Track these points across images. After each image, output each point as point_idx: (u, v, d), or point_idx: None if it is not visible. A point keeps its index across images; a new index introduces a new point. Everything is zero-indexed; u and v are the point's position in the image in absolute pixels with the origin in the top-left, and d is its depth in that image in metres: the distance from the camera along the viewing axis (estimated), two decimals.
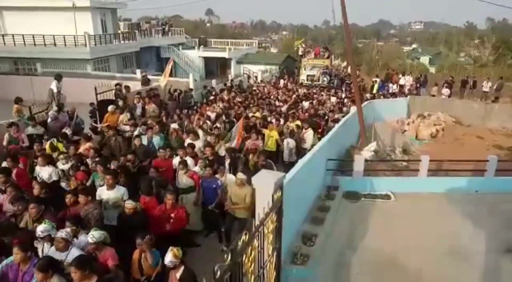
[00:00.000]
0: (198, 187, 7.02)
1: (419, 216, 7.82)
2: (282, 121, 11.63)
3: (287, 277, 5.31)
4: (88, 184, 6.75)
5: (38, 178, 6.83)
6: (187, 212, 6.13)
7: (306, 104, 15.69)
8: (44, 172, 6.94)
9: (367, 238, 6.95)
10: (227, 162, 8.04)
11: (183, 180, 6.99)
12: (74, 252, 4.50)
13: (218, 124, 10.71)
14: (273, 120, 11.40)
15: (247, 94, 17.40)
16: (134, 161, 7.52)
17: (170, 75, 16.07)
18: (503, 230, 7.26)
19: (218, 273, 2.73)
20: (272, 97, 17.72)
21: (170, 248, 4.24)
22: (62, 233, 4.59)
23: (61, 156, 7.42)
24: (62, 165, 7.27)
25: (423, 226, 7.34)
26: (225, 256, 2.92)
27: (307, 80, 25.86)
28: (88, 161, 7.49)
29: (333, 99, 18.38)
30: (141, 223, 5.43)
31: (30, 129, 9.43)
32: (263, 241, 3.77)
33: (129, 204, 5.58)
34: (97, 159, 7.30)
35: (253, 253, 3.45)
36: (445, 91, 21.66)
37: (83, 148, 8.12)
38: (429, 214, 7.90)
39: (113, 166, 7.09)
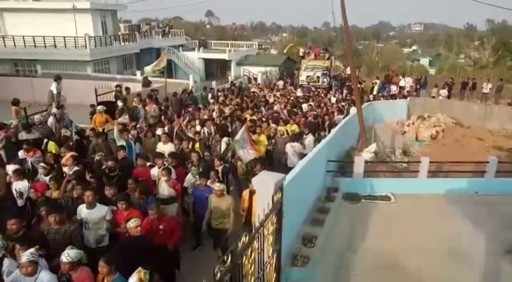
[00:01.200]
0: (180, 197, 6.71)
1: (419, 217, 7.81)
2: (273, 125, 11.13)
3: (287, 279, 5.30)
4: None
5: (15, 193, 6.33)
6: (178, 221, 5.77)
7: (305, 106, 15.67)
8: (20, 185, 6.35)
9: (367, 240, 6.94)
10: (219, 169, 7.59)
11: (164, 189, 6.56)
12: (43, 277, 3.99)
13: (205, 129, 10.23)
14: (263, 124, 10.88)
15: (243, 97, 17.13)
16: (114, 168, 6.87)
17: (170, 76, 16.06)
18: (503, 231, 7.25)
19: (218, 274, 2.72)
20: (268, 99, 17.36)
21: (138, 270, 3.87)
22: (27, 256, 3.94)
23: (41, 166, 6.86)
24: (44, 176, 6.70)
25: (423, 227, 7.33)
26: (225, 257, 2.91)
27: (306, 81, 25.44)
28: (66, 169, 6.82)
29: (333, 99, 18.38)
30: (147, 249, 4.78)
31: (24, 135, 8.89)
32: (263, 243, 3.77)
33: (133, 223, 4.91)
34: (74, 169, 6.67)
35: (253, 254, 3.44)
36: (443, 92, 21.70)
37: (65, 158, 7.32)
38: (429, 215, 7.89)
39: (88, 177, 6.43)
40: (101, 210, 5.47)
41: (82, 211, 5.46)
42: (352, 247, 6.70)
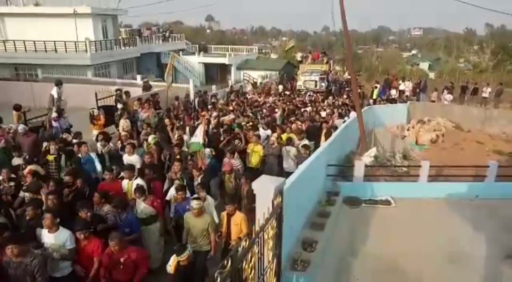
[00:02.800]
0: (162, 215, 6.20)
1: (419, 221, 7.80)
2: (268, 131, 10.54)
3: None
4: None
5: None
6: (144, 254, 5.11)
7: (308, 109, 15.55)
8: None
9: (368, 244, 6.92)
10: (198, 180, 7.11)
11: (142, 208, 5.97)
12: None
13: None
14: (249, 133, 10.04)
15: (239, 102, 16.63)
16: (71, 184, 6.29)
17: (172, 81, 16.01)
18: (503, 236, 7.23)
19: (218, 279, 2.72)
20: (264, 104, 16.75)
21: None
22: None
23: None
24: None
25: (423, 232, 7.32)
26: (225, 262, 2.91)
27: (303, 86, 24.87)
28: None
29: (332, 102, 18.20)
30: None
31: (15, 160, 7.71)
32: (263, 247, 3.76)
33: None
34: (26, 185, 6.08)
35: (253, 259, 3.43)
36: (448, 97, 21.76)
37: (25, 171, 6.77)
38: (429, 219, 7.88)
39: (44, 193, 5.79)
40: (61, 236, 4.84)
41: (44, 234, 4.88)
42: (352, 251, 6.69)
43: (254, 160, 9.06)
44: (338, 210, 8.09)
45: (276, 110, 14.98)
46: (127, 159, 7.88)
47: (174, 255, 4.93)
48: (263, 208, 4.08)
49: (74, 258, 4.93)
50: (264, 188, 4.42)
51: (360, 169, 9.12)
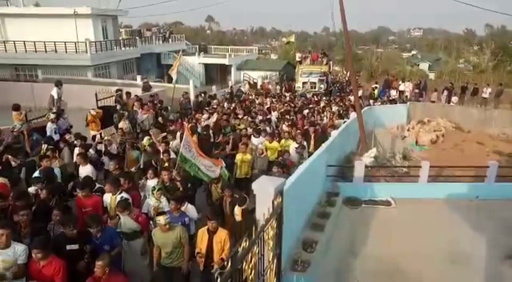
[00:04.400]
0: (147, 230, 5.65)
1: (419, 222, 7.80)
2: (261, 139, 9.89)
3: None
4: None
5: None
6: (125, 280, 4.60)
7: (305, 112, 15.00)
8: None
9: (368, 245, 6.92)
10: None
11: (126, 223, 5.48)
12: None
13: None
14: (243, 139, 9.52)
15: (237, 104, 16.05)
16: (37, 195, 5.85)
17: (170, 81, 15.98)
18: (503, 236, 7.23)
19: (218, 280, 2.72)
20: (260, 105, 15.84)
21: None
22: None
23: None
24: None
25: (423, 232, 7.32)
26: (225, 262, 2.91)
27: (302, 88, 24.02)
28: None
29: (334, 108, 17.38)
30: None
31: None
32: (264, 248, 3.76)
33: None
34: None
35: (253, 259, 3.44)
36: (454, 99, 21.85)
37: None
38: (429, 220, 7.88)
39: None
40: (13, 252, 4.32)
41: None
42: (352, 251, 6.69)
43: (243, 170, 8.53)
44: (338, 211, 8.10)
45: (272, 113, 14.22)
46: (81, 170, 7.31)
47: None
48: (263, 208, 4.08)
49: (24, 275, 4.34)
50: (264, 189, 4.42)
51: (360, 170, 9.12)
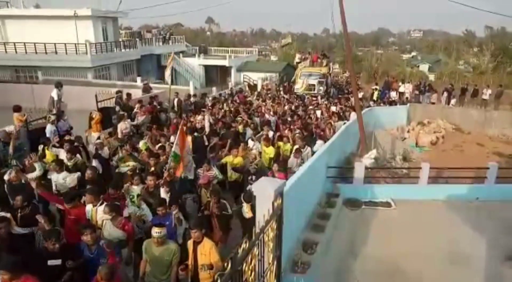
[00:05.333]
0: (132, 240, 5.28)
1: (420, 223, 7.80)
2: (258, 144, 9.54)
3: None
4: None
5: None
6: None
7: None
8: None
9: (368, 246, 6.92)
10: (166, 197, 6.21)
11: (111, 232, 5.13)
12: None
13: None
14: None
15: (237, 105, 15.67)
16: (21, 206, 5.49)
17: (172, 83, 15.98)
18: (503, 237, 7.23)
19: (218, 281, 2.72)
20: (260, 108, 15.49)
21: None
22: None
23: None
24: None
25: (424, 233, 7.32)
26: (225, 264, 2.91)
27: (300, 90, 23.57)
28: None
29: (333, 108, 17.16)
30: None
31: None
32: (264, 249, 3.76)
33: None
34: None
35: (253, 261, 3.43)
36: (453, 100, 21.91)
37: None
38: (430, 221, 7.87)
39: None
40: None
41: None
42: (352, 253, 6.68)
43: (233, 174, 8.17)
44: (338, 212, 8.09)
45: (272, 114, 13.91)
46: (55, 178, 6.80)
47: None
48: (263, 209, 4.08)
49: None
50: (264, 190, 4.42)
51: (360, 171, 9.12)
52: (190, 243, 4.81)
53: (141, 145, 8.87)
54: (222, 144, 9.49)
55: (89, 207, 5.63)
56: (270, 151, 9.17)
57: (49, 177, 7.00)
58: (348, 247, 6.88)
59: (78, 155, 8.04)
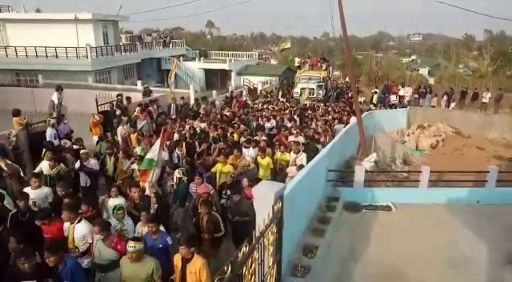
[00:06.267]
0: None
1: (420, 227, 7.78)
2: (252, 150, 8.99)
3: None
4: None
5: None
6: None
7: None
8: None
9: (368, 250, 6.90)
10: (154, 207, 5.94)
11: (103, 253, 4.76)
12: None
13: (177, 152, 8.51)
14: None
15: (234, 111, 15.06)
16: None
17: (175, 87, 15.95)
18: (504, 241, 7.21)
19: None
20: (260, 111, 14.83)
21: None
22: None
23: None
24: None
25: (424, 237, 7.30)
26: (225, 268, 2.90)
27: (300, 94, 23.08)
28: None
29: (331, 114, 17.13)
30: None
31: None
32: (264, 253, 3.75)
33: None
34: None
35: (253, 265, 3.43)
36: (453, 105, 21.96)
37: None
38: (430, 225, 7.86)
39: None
40: None
41: None
42: (352, 257, 6.66)
43: (222, 182, 7.67)
44: (339, 216, 8.08)
45: (272, 119, 13.21)
46: (32, 193, 6.09)
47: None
48: (263, 213, 4.08)
49: None
50: (264, 194, 4.41)
51: (360, 174, 9.12)
52: (177, 259, 4.42)
53: (139, 151, 8.29)
54: (207, 149, 9.18)
55: (67, 224, 5.15)
56: (267, 162, 8.56)
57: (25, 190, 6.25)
58: (349, 251, 6.86)
59: (62, 164, 7.46)
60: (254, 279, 3.49)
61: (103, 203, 6.10)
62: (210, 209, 5.74)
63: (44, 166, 7.29)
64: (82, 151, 8.03)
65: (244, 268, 3.24)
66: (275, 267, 4.23)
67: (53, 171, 7.16)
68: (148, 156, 6.76)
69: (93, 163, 7.95)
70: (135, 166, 7.70)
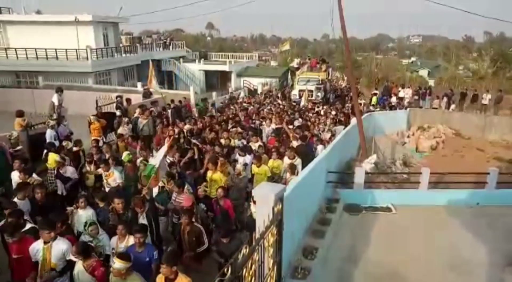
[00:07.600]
0: None
1: (420, 228, 7.77)
2: (247, 157, 8.89)
3: None
4: None
5: None
6: None
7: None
8: None
9: (368, 251, 6.89)
10: (142, 218, 5.58)
11: (81, 277, 4.42)
12: None
13: (169, 158, 8.13)
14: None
15: (229, 115, 14.89)
16: None
17: (171, 88, 16.06)
18: (504, 243, 7.19)
19: None
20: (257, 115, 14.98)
21: None
22: None
23: None
24: None
25: (424, 239, 7.29)
26: (225, 269, 2.90)
27: (298, 96, 22.71)
28: None
29: (333, 112, 16.91)
30: None
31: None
32: (264, 254, 3.75)
33: None
34: None
35: (253, 266, 3.42)
36: (453, 106, 21.97)
37: None
38: (430, 226, 7.85)
39: None
40: None
41: None
42: (353, 258, 6.65)
43: (214, 190, 7.38)
44: (339, 217, 8.07)
45: (269, 124, 13.01)
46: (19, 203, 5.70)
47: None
48: (263, 215, 4.08)
49: None
50: (264, 195, 4.41)
51: (360, 176, 9.11)
52: (160, 280, 4.16)
53: (124, 156, 8.06)
54: (189, 159, 8.94)
55: (38, 245, 4.59)
56: (264, 171, 8.36)
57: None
58: (349, 252, 6.85)
59: (34, 175, 7.06)
60: (254, 280, 3.48)
61: (71, 215, 5.70)
62: (191, 219, 5.41)
63: (14, 177, 6.83)
64: (57, 159, 7.56)
65: (244, 270, 3.23)
66: (275, 268, 4.23)
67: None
68: (151, 161, 6.63)
69: (69, 171, 7.60)
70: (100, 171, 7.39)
